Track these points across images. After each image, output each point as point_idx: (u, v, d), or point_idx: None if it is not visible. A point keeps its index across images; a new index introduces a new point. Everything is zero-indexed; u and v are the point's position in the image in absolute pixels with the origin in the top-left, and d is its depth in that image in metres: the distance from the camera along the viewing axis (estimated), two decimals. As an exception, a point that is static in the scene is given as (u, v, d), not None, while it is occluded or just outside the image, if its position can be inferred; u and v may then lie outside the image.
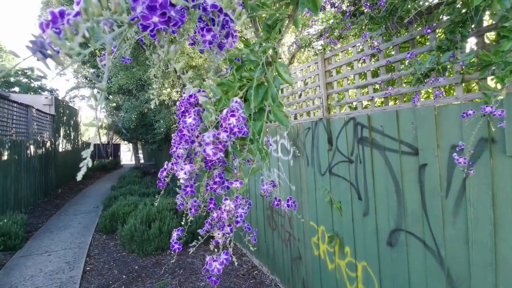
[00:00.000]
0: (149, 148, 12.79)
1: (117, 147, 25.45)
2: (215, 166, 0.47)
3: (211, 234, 0.59)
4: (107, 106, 14.16)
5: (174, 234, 0.58)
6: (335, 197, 2.45)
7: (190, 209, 0.53)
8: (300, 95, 3.03)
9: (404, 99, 1.84)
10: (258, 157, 0.54)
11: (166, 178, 0.54)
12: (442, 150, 1.56)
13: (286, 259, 3.30)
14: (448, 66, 1.38)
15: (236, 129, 0.39)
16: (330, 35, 2.30)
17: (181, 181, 0.43)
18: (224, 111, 0.39)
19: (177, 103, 0.50)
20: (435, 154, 1.59)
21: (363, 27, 1.92)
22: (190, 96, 0.46)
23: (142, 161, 20.31)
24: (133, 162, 21.76)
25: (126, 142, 26.57)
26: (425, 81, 1.38)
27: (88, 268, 4.10)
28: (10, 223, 4.97)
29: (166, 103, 6.40)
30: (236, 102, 0.41)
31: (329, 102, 2.46)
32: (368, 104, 2.18)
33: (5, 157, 6.31)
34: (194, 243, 0.62)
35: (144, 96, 6.43)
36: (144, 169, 14.89)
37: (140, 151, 20.92)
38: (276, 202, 0.57)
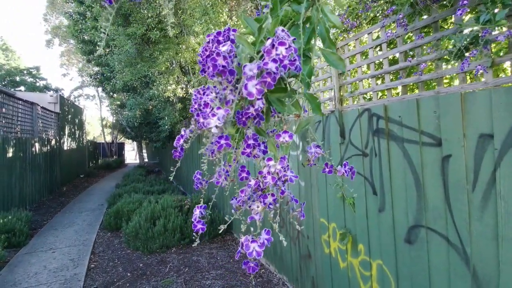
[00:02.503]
0: (153, 147, 12.77)
1: (121, 146, 25.54)
2: (249, 122, 0.38)
3: (236, 217, 0.50)
4: (111, 104, 14.19)
5: (197, 212, 0.49)
6: (348, 192, 2.34)
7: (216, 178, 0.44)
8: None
9: (425, 87, 1.73)
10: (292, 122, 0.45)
11: (183, 147, 0.45)
12: (469, 140, 1.45)
13: (294, 258, 3.21)
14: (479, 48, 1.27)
15: (287, 61, 0.30)
16: (349, 16, 2.20)
17: (213, 130, 0.34)
18: (269, 41, 0.30)
19: (200, 49, 0.41)
20: (460, 144, 1.49)
21: (385, 7, 1.81)
22: (219, 33, 0.37)
23: (146, 160, 20.33)
24: (137, 161, 21.80)
25: (130, 141, 26.66)
26: (467, 54, 1.26)
27: (92, 266, 4.05)
28: (14, 220, 4.94)
29: (170, 100, 6.33)
30: (283, 31, 0.32)
31: (341, 94, 2.35)
32: (384, 95, 2.08)
33: (10, 154, 6.30)
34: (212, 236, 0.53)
35: (148, 93, 6.37)
36: (148, 168, 14.89)
37: (144, 150, 20.93)
38: (327, 169, 0.48)
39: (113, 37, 5.81)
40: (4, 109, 6.28)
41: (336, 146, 2.45)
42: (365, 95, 2.25)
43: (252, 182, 0.38)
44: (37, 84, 20.00)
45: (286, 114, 0.42)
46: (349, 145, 2.30)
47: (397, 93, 1.94)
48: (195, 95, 0.40)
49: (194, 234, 0.50)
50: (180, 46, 5.10)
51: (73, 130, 13.13)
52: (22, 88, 18.71)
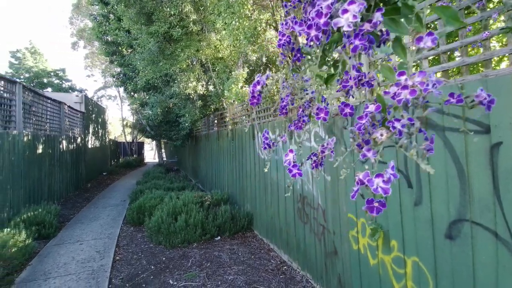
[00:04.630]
0: (172, 145, 13.00)
1: (141, 145, 26.23)
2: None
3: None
4: (132, 104, 14.57)
5: (289, 156, 0.45)
6: (379, 186, 2.25)
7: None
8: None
9: (471, 70, 1.62)
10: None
11: (260, 92, 0.41)
12: (524, 125, 1.34)
13: (319, 254, 3.13)
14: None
15: None
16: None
17: (345, 28, 0.30)
18: None
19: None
20: (513, 130, 1.37)
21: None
22: None
23: (164, 158, 20.75)
24: (156, 160, 22.31)
25: (149, 140, 27.29)
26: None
27: (117, 258, 4.14)
28: (44, 213, 5.16)
29: (191, 97, 6.40)
30: None
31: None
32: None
33: (39, 151, 6.59)
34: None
35: (169, 90, 6.47)
36: (167, 166, 15.20)
37: (162, 150, 21.38)
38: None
39: (136, 37, 5.94)
40: (34, 108, 6.58)
41: (366, 138, 2.36)
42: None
43: (372, 107, 0.34)
44: (63, 85, 20.91)
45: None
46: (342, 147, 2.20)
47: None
48: (283, 26, 0.36)
49: (294, 174, 0.46)
50: (201, 43, 5.14)
51: (96, 129, 13.59)
52: (49, 89, 19.62)
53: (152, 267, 3.84)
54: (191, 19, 4.71)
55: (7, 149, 5.03)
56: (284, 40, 0.36)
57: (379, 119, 0.40)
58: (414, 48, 0.35)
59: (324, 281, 3.04)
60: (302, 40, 0.38)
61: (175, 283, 3.40)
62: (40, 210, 5.24)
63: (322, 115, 0.41)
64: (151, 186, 7.85)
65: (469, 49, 1.73)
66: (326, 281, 2.99)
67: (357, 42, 0.31)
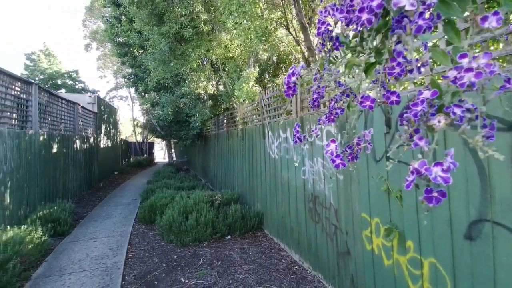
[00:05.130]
0: (181, 145, 13.13)
1: (151, 145, 26.58)
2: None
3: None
4: (143, 104, 14.78)
5: (332, 146, 0.44)
6: (394, 185, 2.21)
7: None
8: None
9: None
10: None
11: (295, 84, 0.40)
12: (550, 121, 1.28)
13: (331, 254, 3.10)
14: None
15: None
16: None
17: (407, 7, 0.29)
18: None
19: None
20: (538, 127, 1.32)
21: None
22: None
23: (174, 158, 20.97)
24: (166, 159, 22.56)
25: (159, 140, 27.60)
26: None
27: (130, 255, 4.20)
28: (59, 211, 5.28)
29: (201, 97, 6.44)
30: None
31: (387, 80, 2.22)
32: (439, 78, 1.92)
33: (54, 150, 6.75)
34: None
35: (180, 90, 6.53)
36: (177, 166, 15.36)
37: (172, 149, 21.62)
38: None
39: (147, 37, 6.02)
40: (49, 108, 6.75)
41: (381, 136, 2.32)
42: (416, 81, 2.10)
43: (427, 93, 0.33)
44: (76, 86, 21.40)
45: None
46: (396, 134, 2.16)
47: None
48: (322, 14, 0.35)
49: (337, 164, 0.45)
50: (212, 43, 5.17)
51: (108, 129, 13.85)
52: (63, 90, 20.11)
53: (164, 265, 3.88)
54: (202, 19, 4.74)
55: (24, 148, 5.18)
56: (324, 28, 0.35)
57: (435, 104, 0.39)
58: (476, 28, 0.33)
59: (336, 281, 3.00)
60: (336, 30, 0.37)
61: (187, 281, 3.42)
62: (55, 207, 5.37)
63: (368, 103, 0.40)
64: (162, 185, 7.94)
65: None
66: (339, 281, 2.96)
67: (420, 22, 0.30)
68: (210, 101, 6.44)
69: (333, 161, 0.44)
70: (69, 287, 3.27)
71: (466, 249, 1.69)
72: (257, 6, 3.60)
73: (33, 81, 5.96)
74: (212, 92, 6.33)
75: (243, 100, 4.96)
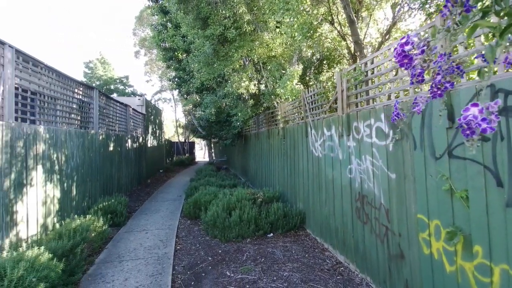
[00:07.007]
0: (222, 144, 13.53)
1: (192, 145, 27.78)
2: None
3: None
4: (185, 105, 15.53)
5: (473, 110, 0.43)
6: (458, 184, 2.03)
7: None
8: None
9: None
10: None
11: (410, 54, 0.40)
12: None
13: (381, 257, 2.95)
14: None
15: None
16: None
17: None
18: None
19: None
20: None
21: None
22: None
23: (214, 157, 21.68)
24: (206, 158, 23.41)
25: (199, 140, 28.70)
26: None
27: (178, 247, 4.44)
28: (116, 203, 5.77)
29: (243, 97, 6.57)
30: None
31: (450, 70, 2.05)
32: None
33: (111, 149, 7.40)
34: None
35: (222, 90, 6.74)
36: (217, 165, 15.87)
37: (212, 149, 22.37)
38: None
39: (192, 41, 6.30)
40: (105, 110, 7.42)
41: (442, 131, 2.15)
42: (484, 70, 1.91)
43: None
44: (126, 90, 23.23)
45: None
46: (460, 129, 1.99)
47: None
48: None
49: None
50: (254, 42, 5.25)
51: (154, 129, 14.79)
52: (115, 94, 21.94)
53: (210, 258, 4.03)
54: (245, 20, 4.84)
55: (86, 146, 5.76)
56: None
57: None
58: None
59: (387, 286, 2.85)
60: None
61: (232, 275, 3.51)
62: (112, 200, 5.89)
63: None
64: (204, 183, 8.26)
65: None
66: (390, 286, 2.80)
67: None
68: (251, 100, 6.54)
69: (479, 125, 0.43)
70: (127, 272, 3.56)
71: (552, 257, 1.49)
72: (303, 2, 3.57)
73: (94, 86, 6.61)
74: (253, 92, 6.42)
75: (286, 98, 4.95)
